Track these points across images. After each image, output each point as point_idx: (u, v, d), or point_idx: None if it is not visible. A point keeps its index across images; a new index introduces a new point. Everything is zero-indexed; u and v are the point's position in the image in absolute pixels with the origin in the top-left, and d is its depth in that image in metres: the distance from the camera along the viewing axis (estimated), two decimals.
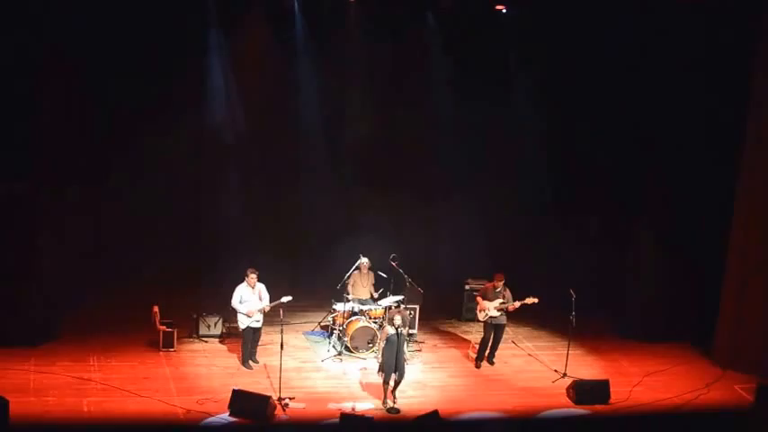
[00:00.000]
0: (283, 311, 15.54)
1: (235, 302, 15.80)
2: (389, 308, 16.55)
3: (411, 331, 17.00)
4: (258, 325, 15.92)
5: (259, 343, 16.21)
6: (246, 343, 16.00)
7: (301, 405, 14.75)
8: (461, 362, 17.02)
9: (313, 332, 17.89)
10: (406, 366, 14.90)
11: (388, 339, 14.64)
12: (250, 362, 16.03)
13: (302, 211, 19.82)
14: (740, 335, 16.93)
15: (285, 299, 15.67)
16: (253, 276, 15.72)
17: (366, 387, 15.62)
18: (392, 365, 14.60)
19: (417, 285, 17.28)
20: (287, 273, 17.77)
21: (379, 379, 14.95)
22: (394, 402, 14.83)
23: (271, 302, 15.80)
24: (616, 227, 18.97)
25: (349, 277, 17.27)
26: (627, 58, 18.23)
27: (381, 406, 14.80)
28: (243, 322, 15.86)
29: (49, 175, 16.34)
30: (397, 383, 14.84)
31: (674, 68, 17.37)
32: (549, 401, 15.48)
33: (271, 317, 16.01)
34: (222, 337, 17.15)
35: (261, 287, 15.82)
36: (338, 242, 18.52)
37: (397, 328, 14.58)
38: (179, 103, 18.63)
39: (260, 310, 15.75)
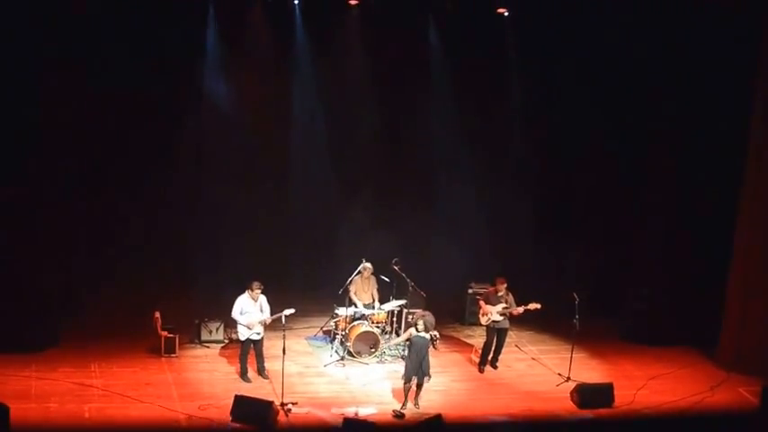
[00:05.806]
0: (285, 316, 15.46)
1: (235, 313, 15.54)
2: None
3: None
4: (258, 337, 15.62)
5: (263, 353, 15.87)
6: (244, 355, 15.74)
7: (304, 410, 14.69)
8: (464, 366, 16.97)
9: (315, 337, 17.83)
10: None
11: (411, 341, 14.67)
12: (260, 377, 15.79)
13: (304, 215, 19.76)
14: (745, 337, 16.86)
15: (288, 311, 15.41)
16: (257, 290, 15.47)
17: (369, 392, 15.57)
18: (414, 368, 14.58)
19: (420, 289, 17.23)
20: (289, 277, 17.71)
21: (396, 384, 15.06)
22: (416, 406, 14.82)
23: (272, 314, 15.54)
24: (619, 230, 18.94)
25: (351, 282, 17.21)
26: (629, 58, 18.21)
27: (399, 409, 14.79)
28: (243, 334, 15.60)
29: (50, 182, 16.31)
30: (419, 386, 14.81)
31: (676, 68, 17.33)
32: (552, 405, 15.41)
33: (273, 322, 15.90)
34: (226, 344, 17.09)
35: (262, 299, 15.57)
36: (340, 247, 18.47)
37: (427, 332, 14.61)
38: (178, 106, 18.64)
39: (261, 322, 15.57)
